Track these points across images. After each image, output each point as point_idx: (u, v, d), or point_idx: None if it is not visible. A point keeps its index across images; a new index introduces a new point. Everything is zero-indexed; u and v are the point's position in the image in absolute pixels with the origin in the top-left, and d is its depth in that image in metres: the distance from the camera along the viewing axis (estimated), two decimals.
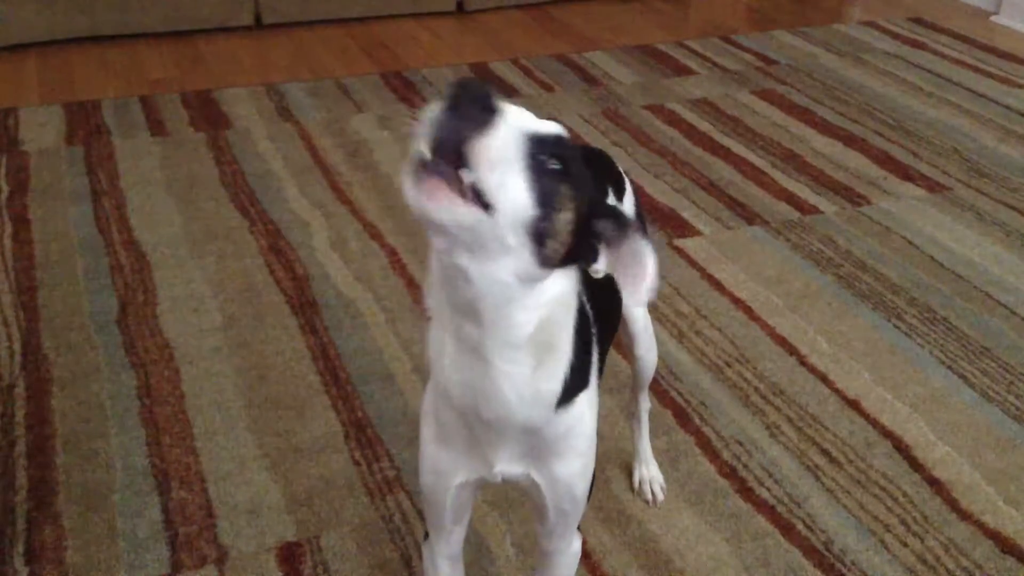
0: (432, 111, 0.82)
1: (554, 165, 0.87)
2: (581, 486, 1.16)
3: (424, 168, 0.82)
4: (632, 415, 1.82)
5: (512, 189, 0.83)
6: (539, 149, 0.86)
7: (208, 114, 3.25)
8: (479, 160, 0.81)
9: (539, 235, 0.87)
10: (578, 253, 0.94)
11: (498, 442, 1.07)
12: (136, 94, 3.38)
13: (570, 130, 3.17)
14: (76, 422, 1.92)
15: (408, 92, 3.50)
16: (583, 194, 0.92)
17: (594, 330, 1.11)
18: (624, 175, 1.47)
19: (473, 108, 0.81)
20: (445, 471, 1.14)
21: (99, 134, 3.07)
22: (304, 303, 2.30)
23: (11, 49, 3.64)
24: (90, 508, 1.73)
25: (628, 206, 1.44)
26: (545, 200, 0.86)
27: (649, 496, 1.79)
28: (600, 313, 1.14)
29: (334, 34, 4.09)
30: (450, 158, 0.81)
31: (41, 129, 3.08)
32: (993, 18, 4.59)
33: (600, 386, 1.22)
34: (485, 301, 0.90)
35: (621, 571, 1.66)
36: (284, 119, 3.24)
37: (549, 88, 3.59)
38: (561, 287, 0.95)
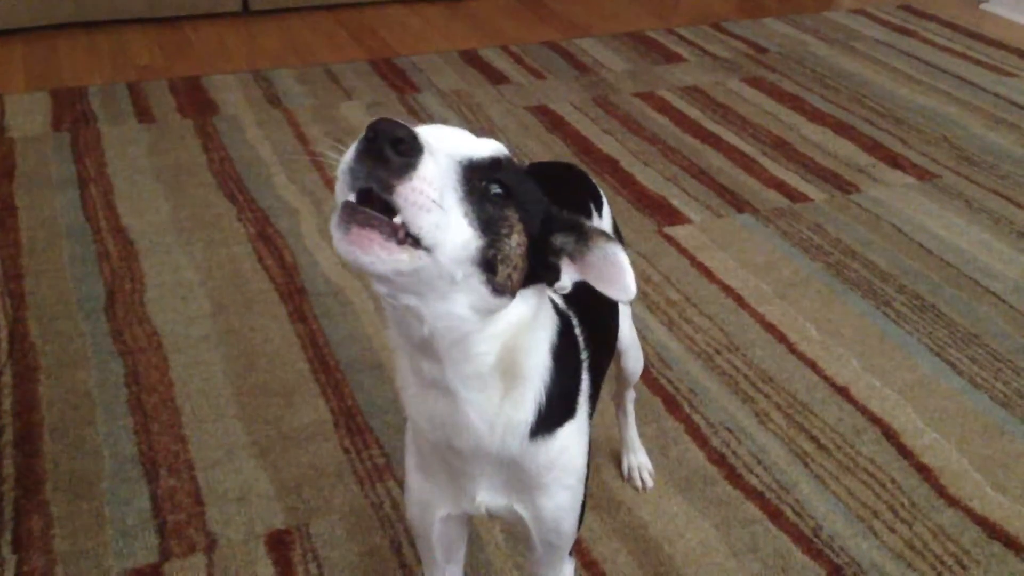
0: (348, 157, 0.77)
1: (495, 189, 0.82)
2: (569, 520, 1.10)
3: (352, 215, 0.76)
4: (618, 406, 1.82)
5: (452, 224, 0.78)
6: (476, 175, 0.82)
7: (196, 101, 3.23)
8: (406, 205, 0.75)
9: (488, 264, 0.82)
10: (537, 274, 0.90)
11: (476, 473, 1.02)
12: (123, 80, 3.35)
13: (561, 118, 3.17)
14: (64, 410, 1.91)
15: (398, 79, 3.48)
16: (533, 214, 0.87)
17: (584, 356, 1.05)
18: (599, 188, 1.45)
19: (390, 151, 0.75)
20: (429, 502, 1.10)
21: (86, 121, 3.05)
22: (293, 291, 2.30)
23: None
24: (78, 496, 1.72)
25: (607, 218, 1.42)
26: (489, 227, 0.81)
27: (639, 483, 1.80)
28: (592, 339, 1.09)
29: (323, 20, 4.06)
30: (379, 202, 0.76)
31: (27, 116, 3.05)
32: (982, 6, 4.59)
33: (595, 413, 1.16)
34: (441, 338, 0.86)
35: (611, 557, 1.66)
36: (273, 106, 3.23)
37: (539, 75, 3.58)
38: (520, 312, 0.90)
